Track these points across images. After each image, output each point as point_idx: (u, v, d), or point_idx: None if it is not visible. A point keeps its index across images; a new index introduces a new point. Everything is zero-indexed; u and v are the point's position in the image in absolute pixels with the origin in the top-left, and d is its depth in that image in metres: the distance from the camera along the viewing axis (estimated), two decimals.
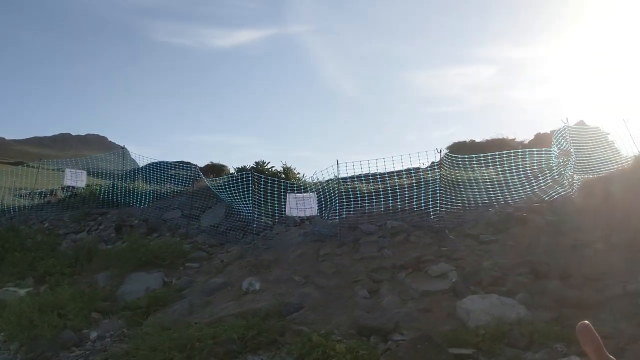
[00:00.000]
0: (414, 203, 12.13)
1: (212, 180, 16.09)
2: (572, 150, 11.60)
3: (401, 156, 11.28)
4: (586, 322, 0.89)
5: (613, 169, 12.05)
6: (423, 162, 12.55)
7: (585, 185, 11.21)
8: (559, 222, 9.99)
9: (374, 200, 12.71)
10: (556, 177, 11.50)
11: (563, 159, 11.63)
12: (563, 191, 11.21)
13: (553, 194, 11.26)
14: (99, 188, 18.96)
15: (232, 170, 21.16)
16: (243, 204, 13.62)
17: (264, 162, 17.55)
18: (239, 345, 7.72)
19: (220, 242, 13.36)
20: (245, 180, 13.62)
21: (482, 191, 12.10)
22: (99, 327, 9.34)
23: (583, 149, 12.47)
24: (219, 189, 15.27)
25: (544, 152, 11.71)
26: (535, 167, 11.75)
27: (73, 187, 18.34)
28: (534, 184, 11.62)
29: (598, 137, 13.37)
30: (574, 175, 11.45)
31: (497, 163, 12.22)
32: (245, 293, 9.64)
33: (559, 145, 11.76)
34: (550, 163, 11.69)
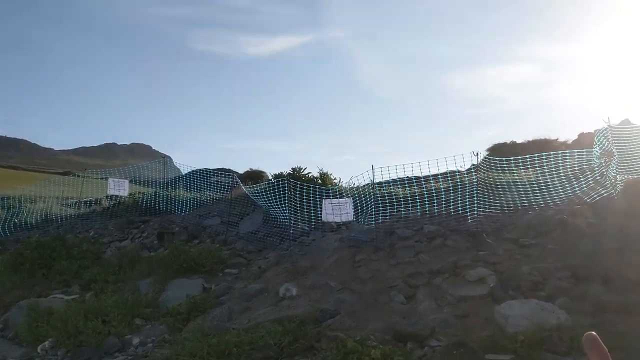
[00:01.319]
0: (451, 207, 12.00)
1: (250, 187, 16.30)
2: (614, 150, 11.25)
3: (437, 160, 11.16)
4: (593, 333, 0.88)
5: None
6: (461, 165, 12.39)
7: (629, 186, 10.85)
8: (601, 225, 9.70)
9: (410, 205, 12.63)
10: (598, 178, 11.18)
11: (605, 159, 11.29)
12: (605, 192, 10.88)
13: (595, 196, 10.94)
14: (141, 196, 19.48)
15: (270, 177, 21.39)
16: (280, 210, 13.76)
17: (300, 168, 17.69)
18: (276, 351, 7.81)
19: (258, 249, 13.53)
20: (282, 187, 13.76)
21: (522, 193, 11.86)
22: (142, 332, 9.61)
23: (627, 148, 12.06)
24: (256, 195, 15.47)
25: (585, 152, 11.40)
26: (577, 168, 11.45)
27: (117, 195, 18.87)
28: (575, 185, 11.32)
29: None
30: (617, 176, 11.10)
31: (537, 164, 11.96)
32: (282, 299, 9.73)
33: (600, 145, 11.42)
34: (592, 164, 11.37)
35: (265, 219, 14.97)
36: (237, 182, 17.49)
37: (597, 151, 11.36)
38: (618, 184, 10.99)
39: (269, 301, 9.88)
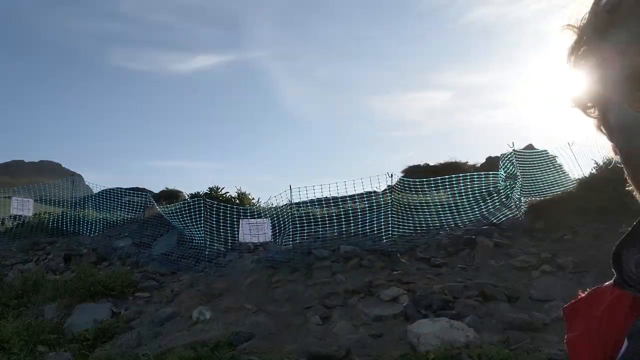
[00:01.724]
0: (367, 227, 12.20)
1: (165, 207, 15.80)
2: (518, 173, 11.94)
3: (353, 180, 11.38)
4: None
5: (559, 191, 12.43)
6: (377, 187, 12.67)
7: (532, 207, 11.52)
8: (507, 245, 10.20)
9: (328, 225, 12.72)
10: (504, 199, 11.80)
11: (510, 182, 11.94)
12: (510, 213, 11.49)
13: (501, 217, 11.52)
14: (47, 216, 18.38)
15: (186, 197, 20.86)
16: (195, 230, 13.41)
17: (218, 188, 17.36)
18: None
19: (172, 271, 13.08)
20: (198, 207, 13.44)
21: (433, 214, 12.28)
22: None
23: (530, 172, 12.83)
24: (171, 215, 15.02)
25: (491, 175, 12.01)
26: (484, 190, 12.03)
27: (21, 215, 17.71)
28: (482, 206, 11.87)
29: (545, 160, 13.79)
30: (522, 198, 11.76)
31: (447, 186, 12.45)
32: (195, 323, 9.45)
33: (505, 169, 12.09)
34: (497, 186, 11.99)
35: (179, 240, 14.53)
36: (150, 201, 16.90)
37: (502, 174, 12.00)
38: (522, 205, 11.64)
39: (181, 325, 9.56)
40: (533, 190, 12.45)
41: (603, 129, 0.73)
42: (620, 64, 0.61)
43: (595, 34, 0.65)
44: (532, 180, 12.68)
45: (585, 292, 0.92)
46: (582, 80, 0.70)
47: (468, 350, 6.95)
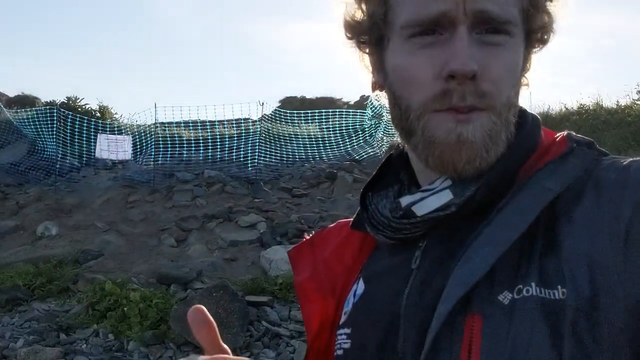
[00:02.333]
0: (233, 154, 12.10)
1: (15, 113, 14.39)
2: (384, 112, 12.42)
3: (223, 105, 11.12)
4: (200, 306, 0.71)
5: None
6: (250, 114, 12.53)
7: (392, 146, 12.10)
8: (365, 180, 10.69)
9: (194, 148, 12.42)
10: (368, 138, 12.26)
11: (375, 121, 12.41)
12: (372, 151, 12.01)
13: (363, 154, 12.00)
14: None
15: (43, 104, 19.13)
16: (48, 142, 12.41)
17: (77, 98, 16.08)
18: (26, 293, 7.22)
19: (19, 182, 12.10)
20: (51, 117, 12.38)
21: (301, 147, 12.46)
22: None
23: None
24: (22, 123, 13.73)
25: (359, 113, 12.38)
26: (350, 127, 12.39)
27: None
28: (348, 143, 12.26)
29: None
30: (384, 138, 12.30)
31: (317, 120, 12.64)
32: (39, 238, 8.93)
33: (372, 108, 12.50)
34: (364, 124, 12.41)
35: (31, 151, 13.40)
36: None
37: (369, 113, 12.42)
38: (384, 145, 12.19)
39: (24, 240, 9.00)
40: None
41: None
42: None
43: None
44: None
45: (309, 235, 0.93)
46: None
47: None
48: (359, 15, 0.74)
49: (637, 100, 13.59)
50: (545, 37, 0.72)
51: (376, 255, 0.81)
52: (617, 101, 13.82)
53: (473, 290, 0.60)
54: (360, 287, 0.78)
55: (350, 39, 0.77)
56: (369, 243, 0.83)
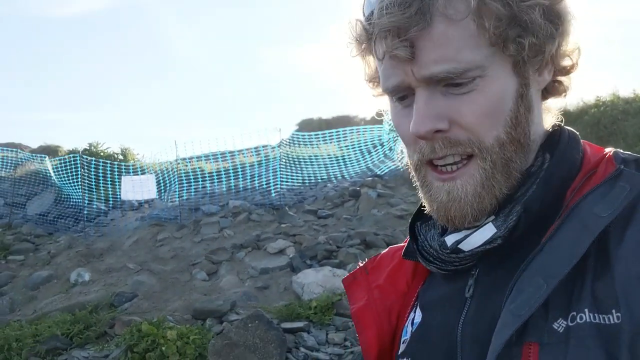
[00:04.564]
0: (256, 181, 12.15)
1: (39, 163, 14.72)
2: None
3: (242, 134, 11.20)
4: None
5: None
6: (268, 140, 12.60)
7: None
8: (389, 195, 10.62)
9: (216, 180, 12.51)
10: (387, 152, 12.21)
11: (393, 134, 12.36)
12: (393, 165, 11.94)
13: (384, 168, 11.94)
14: None
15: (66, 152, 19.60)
16: (73, 189, 12.62)
17: (98, 144, 16.42)
18: (64, 342, 7.24)
19: (49, 232, 12.31)
20: (75, 164, 12.61)
21: (322, 167, 12.47)
22: None
23: None
24: (47, 173, 14.04)
25: (375, 128, 12.35)
26: (369, 142, 12.36)
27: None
28: (368, 159, 12.22)
29: None
30: (403, 150, 12.23)
31: (335, 139, 12.65)
32: (73, 285, 9.02)
33: (389, 122, 12.46)
34: (382, 138, 12.37)
35: (57, 199, 13.66)
36: (23, 158, 15.65)
37: (386, 127, 12.38)
38: (404, 157, 12.13)
39: (58, 289, 9.10)
40: None
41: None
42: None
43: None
44: None
45: (362, 262, 0.95)
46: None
47: None
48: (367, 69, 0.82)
49: None
50: (544, 47, 0.68)
51: (431, 283, 0.83)
52: (634, 90, 13.61)
53: (528, 319, 0.60)
54: (417, 315, 0.80)
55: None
56: (422, 268, 0.85)
